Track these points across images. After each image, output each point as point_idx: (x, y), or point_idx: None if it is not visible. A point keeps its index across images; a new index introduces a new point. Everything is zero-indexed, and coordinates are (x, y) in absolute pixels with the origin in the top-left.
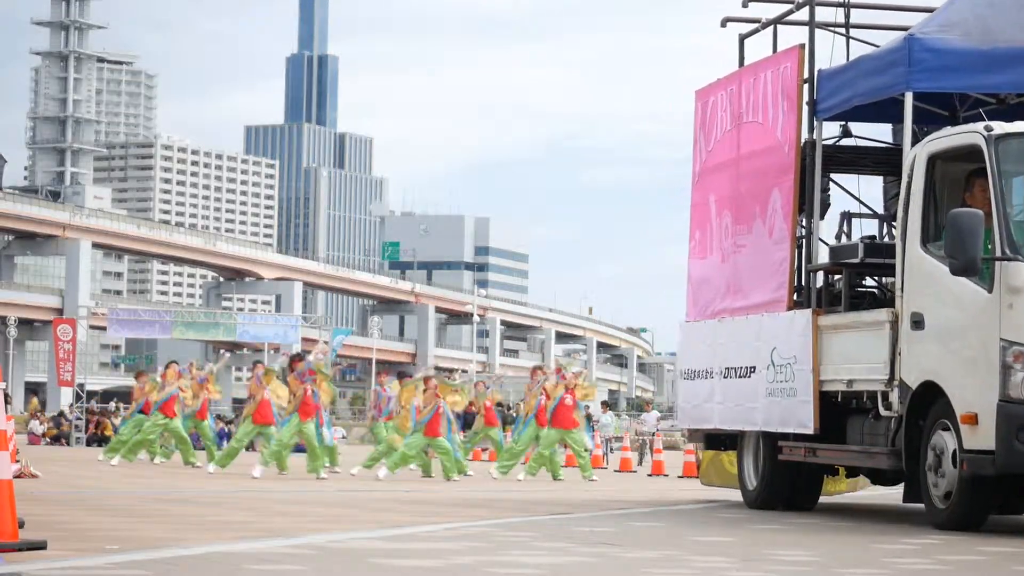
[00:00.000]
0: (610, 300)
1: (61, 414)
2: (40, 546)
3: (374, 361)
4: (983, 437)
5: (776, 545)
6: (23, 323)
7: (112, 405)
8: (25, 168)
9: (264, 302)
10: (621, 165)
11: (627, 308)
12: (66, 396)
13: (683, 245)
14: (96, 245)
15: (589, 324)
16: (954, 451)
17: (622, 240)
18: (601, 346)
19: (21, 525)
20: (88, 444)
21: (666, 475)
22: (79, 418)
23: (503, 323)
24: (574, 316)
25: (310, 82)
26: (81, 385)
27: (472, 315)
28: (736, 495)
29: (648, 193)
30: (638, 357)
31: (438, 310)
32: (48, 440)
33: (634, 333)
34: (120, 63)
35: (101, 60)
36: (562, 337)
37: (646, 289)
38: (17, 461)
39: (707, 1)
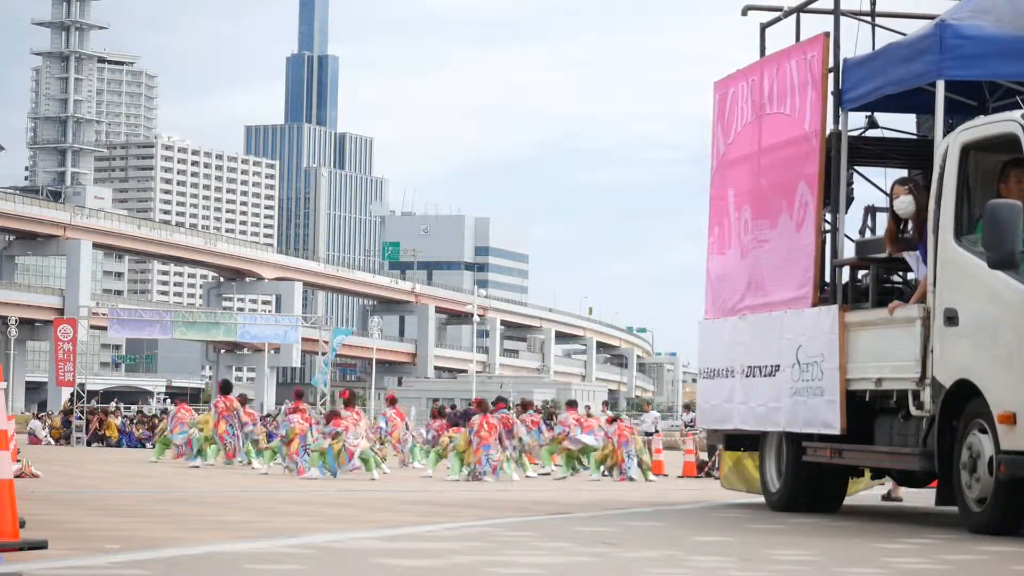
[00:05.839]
0: (610, 300)
1: (69, 412)
2: (41, 546)
3: (374, 361)
4: (1022, 437)
5: (775, 545)
6: (24, 323)
7: (112, 405)
8: (26, 168)
9: (264, 302)
10: (621, 165)
11: (627, 308)
12: (66, 396)
13: (684, 244)
14: (97, 245)
15: (589, 324)
16: (990, 453)
17: (622, 240)
18: (601, 346)
19: (22, 525)
20: (89, 444)
21: (666, 475)
22: (79, 418)
23: (503, 323)
24: (574, 316)
25: (310, 82)
26: (82, 385)
27: (472, 315)
28: (759, 500)
29: (648, 193)
30: (638, 357)
31: (438, 310)
32: (52, 440)
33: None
34: (121, 63)
35: (102, 60)
36: (562, 337)
37: (646, 289)
38: (18, 461)
39: (707, 2)
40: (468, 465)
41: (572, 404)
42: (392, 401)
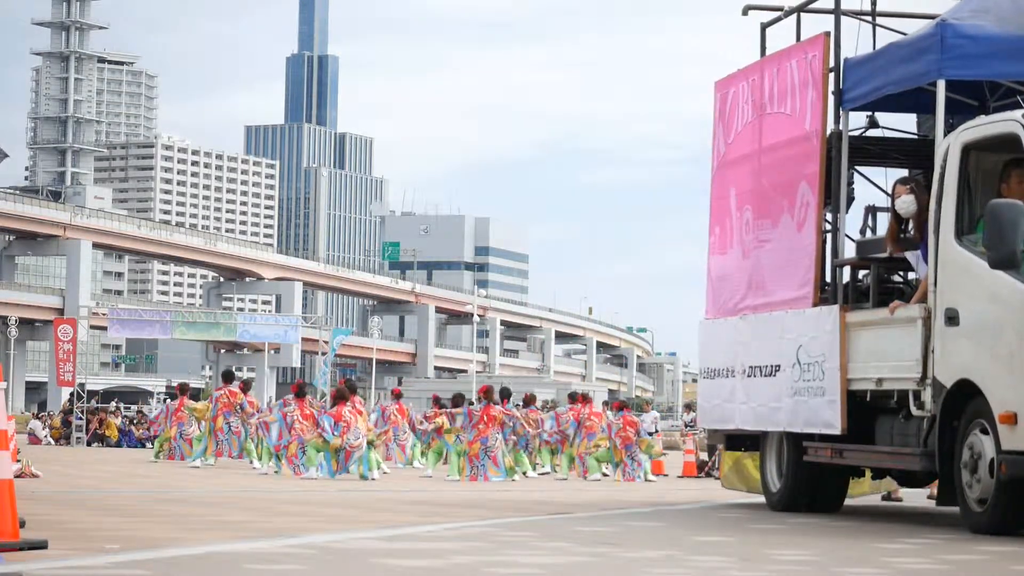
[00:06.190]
0: (610, 300)
1: (69, 412)
2: (41, 546)
3: (374, 361)
4: (1022, 437)
5: (775, 545)
6: (24, 323)
7: (112, 405)
8: (26, 168)
9: (264, 302)
10: (621, 165)
11: (627, 308)
12: (66, 396)
13: (684, 244)
14: (97, 245)
15: (589, 324)
16: (991, 453)
17: (622, 240)
18: (601, 346)
19: (22, 525)
20: (89, 444)
21: (666, 475)
22: (80, 418)
23: (503, 323)
24: (574, 316)
25: (310, 82)
26: (82, 385)
27: (472, 315)
28: (759, 500)
29: (648, 193)
30: (638, 357)
31: (438, 310)
32: (52, 440)
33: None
34: (121, 63)
35: (102, 60)
36: (562, 337)
37: (646, 289)
38: (18, 461)
39: (707, 2)
40: (462, 455)
41: (574, 397)
42: (398, 396)
